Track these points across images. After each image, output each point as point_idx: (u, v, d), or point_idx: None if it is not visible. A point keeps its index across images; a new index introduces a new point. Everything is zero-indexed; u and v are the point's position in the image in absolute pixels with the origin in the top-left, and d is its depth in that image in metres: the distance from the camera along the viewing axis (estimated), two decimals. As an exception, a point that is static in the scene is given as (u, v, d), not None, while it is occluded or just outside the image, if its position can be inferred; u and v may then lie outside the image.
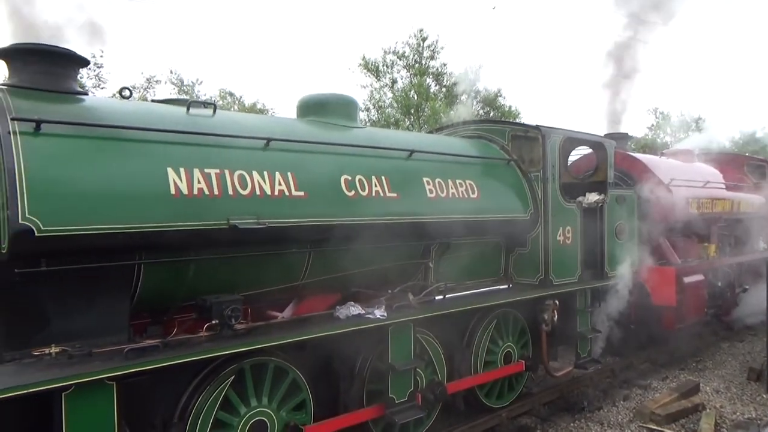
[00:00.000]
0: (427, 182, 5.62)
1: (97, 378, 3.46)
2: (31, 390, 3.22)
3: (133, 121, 4.05)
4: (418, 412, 5.31)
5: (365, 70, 26.33)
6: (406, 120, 23.93)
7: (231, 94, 26.80)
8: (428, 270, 5.92)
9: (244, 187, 4.31)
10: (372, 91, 26.43)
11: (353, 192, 4.97)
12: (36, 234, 3.34)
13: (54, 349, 3.69)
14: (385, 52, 26.24)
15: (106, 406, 3.56)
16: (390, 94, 26.05)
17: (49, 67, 4.04)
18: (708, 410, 7.09)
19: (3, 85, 3.96)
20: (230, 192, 4.22)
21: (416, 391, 5.32)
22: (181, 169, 4.03)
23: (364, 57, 26.11)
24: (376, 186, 5.16)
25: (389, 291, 5.60)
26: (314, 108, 5.67)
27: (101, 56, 20.02)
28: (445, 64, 26.20)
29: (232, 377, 4.27)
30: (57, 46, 4.09)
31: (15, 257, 3.39)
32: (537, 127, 6.77)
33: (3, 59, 4.08)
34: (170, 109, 4.55)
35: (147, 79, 22.33)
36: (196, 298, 4.39)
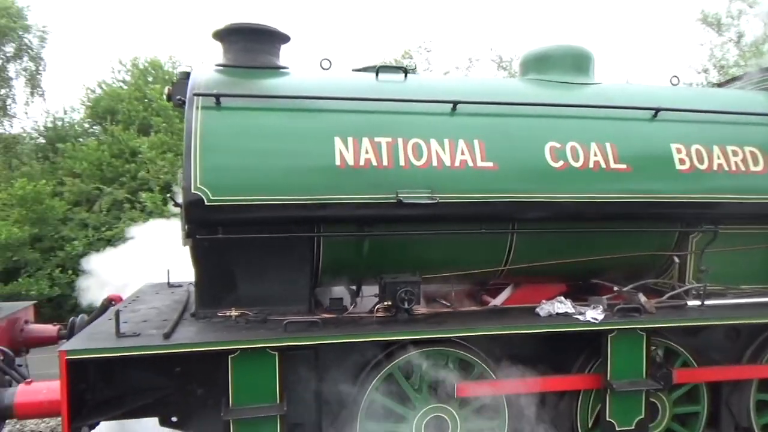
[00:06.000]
0: (678, 150, 4.23)
1: (258, 346, 3.51)
2: (198, 349, 3.44)
3: (319, 92, 3.96)
4: (647, 446, 4.13)
5: (704, 25, 22.41)
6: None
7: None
8: (678, 265, 4.52)
9: (419, 157, 3.84)
10: (712, 49, 22.36)
11: (561, 163, 4.02)
12: (205, 203, 3.52)
13: (234, 312, 3.91)
14: (730, 0, 21.86)
15: (268, 373, 3.59)
16: (735, 51, 21.60)
17: (248, 44, 4.24)
18: None
19: (217, 65, 4.29)
20: (402, 162, 3.81)
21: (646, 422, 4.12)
22: (350, 139, 3.79)
23: (702, 11, 22.25)
24: (595, 155, 4.09)
25: (615, 289, 4.46)
26: (534, 64, 4.80)
27: (430, 41, 22.60)
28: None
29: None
30: (256, 24, 4.25)
31: (192, 224, 3.64)
32: None
33: (218, 41, 4.44)
34: (360, 77, 4.35)
35: (468, 59, 23.81)
36: (377, 276, 4.16)
